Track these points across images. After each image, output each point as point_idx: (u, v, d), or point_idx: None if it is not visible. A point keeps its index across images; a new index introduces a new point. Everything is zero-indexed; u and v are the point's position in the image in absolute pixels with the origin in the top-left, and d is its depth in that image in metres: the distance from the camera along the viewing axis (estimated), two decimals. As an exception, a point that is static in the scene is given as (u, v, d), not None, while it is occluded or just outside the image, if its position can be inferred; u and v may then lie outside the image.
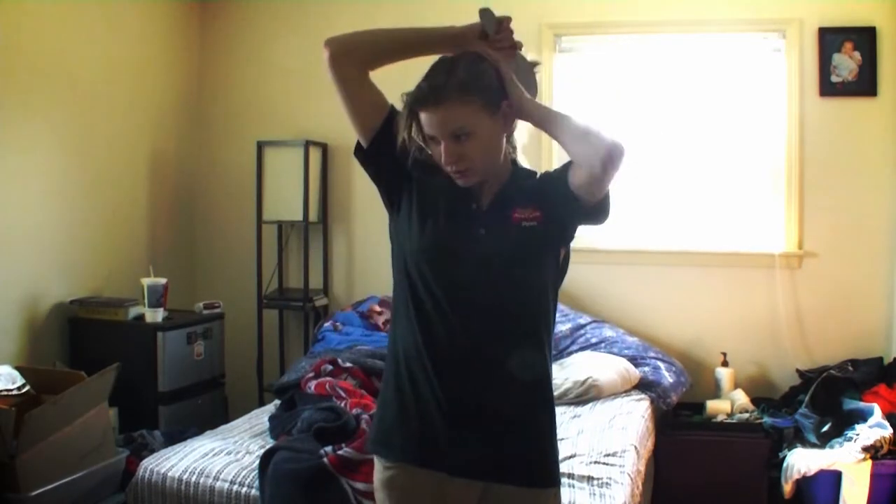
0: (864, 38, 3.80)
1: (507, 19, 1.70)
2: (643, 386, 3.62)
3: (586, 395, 3.44)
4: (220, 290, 4.42)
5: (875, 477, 3.12)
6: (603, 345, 3.83)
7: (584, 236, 3.98)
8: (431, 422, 1.65)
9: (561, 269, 1.74)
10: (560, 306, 3.92)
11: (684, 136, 4.08)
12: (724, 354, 3.89)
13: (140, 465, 2.66)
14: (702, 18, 3.96)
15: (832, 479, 3.17)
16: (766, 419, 3.55)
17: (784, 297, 3.92)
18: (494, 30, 1.66)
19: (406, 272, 1.68)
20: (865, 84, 3.81)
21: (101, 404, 2.90)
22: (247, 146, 4.36)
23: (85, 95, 3.77)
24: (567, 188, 1.62)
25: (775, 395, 3.86)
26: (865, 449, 3.11)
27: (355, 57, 1.65)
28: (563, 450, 2.72)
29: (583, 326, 3.94)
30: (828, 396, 3.52)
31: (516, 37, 1.76)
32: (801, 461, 3.22)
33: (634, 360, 3.72)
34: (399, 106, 1.67)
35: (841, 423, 3.35)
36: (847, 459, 3.14)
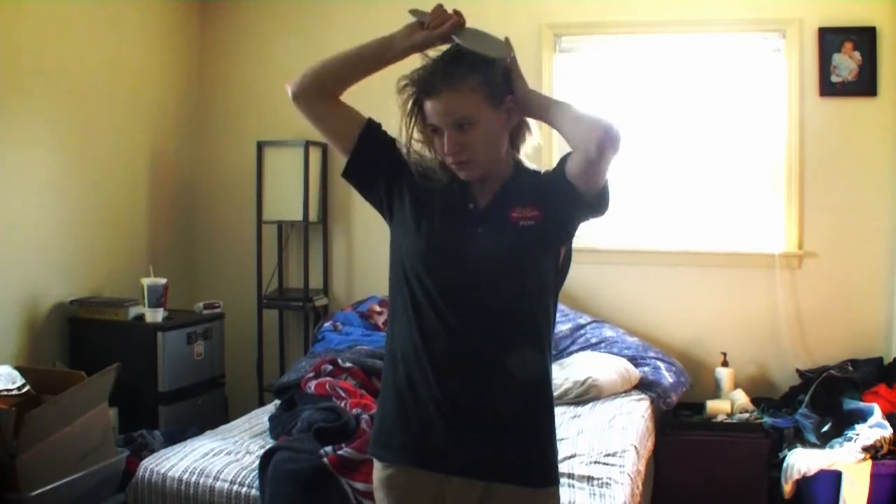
0: (864, 38, 3.80)
1: (437, 6, 1.68)
2: (643, 386, 3.62)
3: (586, 395, 3.44)
4: (220, 290, 4.42)
5: (875, 477, 3.12)
6: (603, 345, 3.83)
7: (585, 236, 3.99)
8: (430, 423, 1.65)
9: (561, 268, 1.73)
10: (560, 306, 3.91)
11: (684, 136, 4.07)
12: (724, 354, 3.89)
13: (140, 465, 2.66)
14: (702, 18, 3.96)
15: (832, 479, 3.17)
16: (766, 419, 3.55)
17: (784, 297, 3.92)
18: (429, 20, 1.64)
19: (403, 274, 1.68)
20: (865, 84, 3.81)
21: (101, 404, 2.90)
22: (247, 146, 4.36)
23: (85, 95, 3.77)
24: (565, 179, 1.62)
25: (775, 395, 3.86)
26: (865, 449, 3.11)
27: (315, 89, 1.69)
28: (563, 450, 2.73)
29: (583, 326, 3.94)
30: (828, 396, 3.52)
31: (512, 34, 1.76)
32: (801, 461, 3.22)
33: (634, 360, 3.72)
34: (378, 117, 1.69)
35: (841, 423, 3.35)
36: (847, 459, 3.14)
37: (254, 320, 4.37)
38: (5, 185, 3.36)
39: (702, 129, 4.06)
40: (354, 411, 2.76)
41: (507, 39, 1.71)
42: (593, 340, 3.87)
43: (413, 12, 1.68)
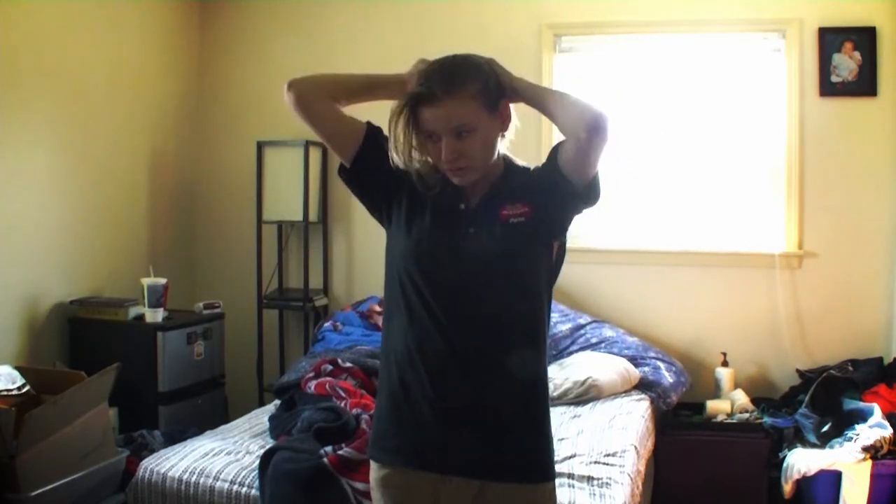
0: (864, 38, 3.80)
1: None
2: (643, 386, 3.62)
3: (586, 395, 3.44)
4: (220, 290, 4.42)
5: (875, 477, 3.12)
6: (603, 345, 3.83)
7: (585, 236, 4.00)
8: (424, 423, 1.65)
9: (555, 264, 1.73)
10: (560, 306, 3.94)
11: (684, 136, 4.07)
12: (724, 354, 3.89)
13: (140, 465, 2.67)
14: (702, 18, 3.96)
15: (832, 479, 3.17)
16: (766, 419, 3.55)
17: (784, 297, 3.92)
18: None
19: (397, 275, 1.69)
20: (865, 84, 3.81)
21: (101, 404, 2.90)
22: (247, 146, 4.36)
23: (85, 96, 3.77)
24: (556, 169, 1.63)
25: (775, 395, 3.86)
26: (865, 449, 3.11)
27: (322, 93, 1.71)
28: (563, 450, 2.73)
29: (583, 326, 3.94)
30: (828, 396, 3.52)
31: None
32: (801, 461, 3.22)
33: (634, 360, 3.72)
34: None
35: (841, 423, 3.35)
36: (847, 459, 3.13)
37: (254, 320, 4.37)
38: (5, 185, 3.36)
39: (702, 129, 4.05)
40: (354, 411, 2.76)
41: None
42: (593, 340, 3.86)
43: (422, 62, 1.70)
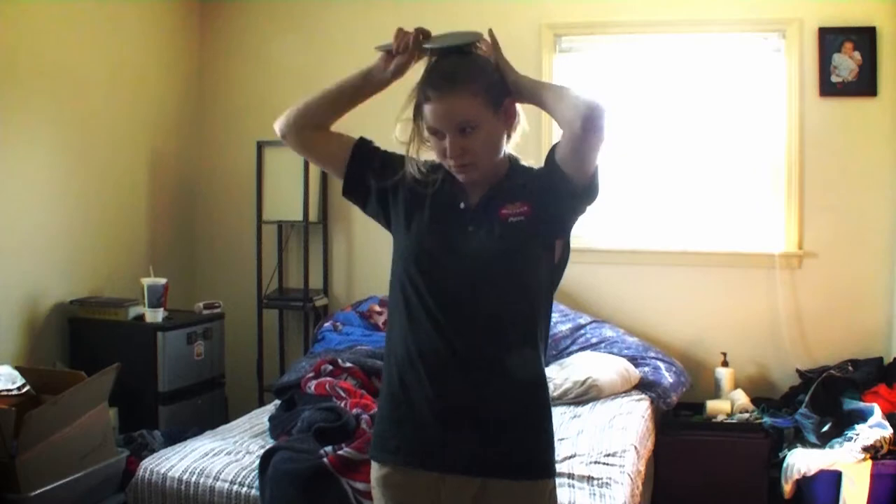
0: (864, 38, 3.80)
1: (397, 29, 1.70)
2: (643, 386, 3.62)
3: (586, 395, 3.44)
4: (220, 290, 4.42)
5: (875, 477, 3.11)
6: (603, 345, 3.83)
7: (584, 236, 4.00)
8: (424, 424, 1.65)
9: (558, 264, 1.72)
10: (560, 306, 3.94)
11: (684, 136, 4.07)
12: (725, 354, 3.89)
13: (140, 465, 2.66)
14: (702, 18, 3.96)
15: (832, 480, 3.17)
16: (766, 419, 3.55)
17: (784, 297, 3.92)
18: (394, 46, 1.67)
19: (398, 276, 1.70)
20: (865, 84, 3.81)
21: (101, 404, 2.90)
22: (247, 146, 4.35)
23: (85, 96, 3.77)
24: (555, 166, 1.63)
25: (775, 395, 3.86)
26: (865, 449, 3.11)
27: (300, 127, 1.74)
28: (563, 450, 2.73)
29: (583, 326, 3.94)
30: (828, 396, 3.52)
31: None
32: (801, 461, 3.22)
33: (634, 360, 3.72)
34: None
35: (841, 423, 3.35)
36: (847, 459, 3.13)
37: (254, 320, 4.37)
38: (5, 185, 3.36)
39: (702, 129, 4.06)
40: (354, 411, 2.76)
41: (483, 32, 1.71)
42: (593, 340, 3.86)
43: (379, 48, 1.71)
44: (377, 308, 4.05)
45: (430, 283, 1.65)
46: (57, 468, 2.67)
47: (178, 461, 2.64)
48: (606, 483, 2.51)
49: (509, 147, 1.72)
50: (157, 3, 4.29)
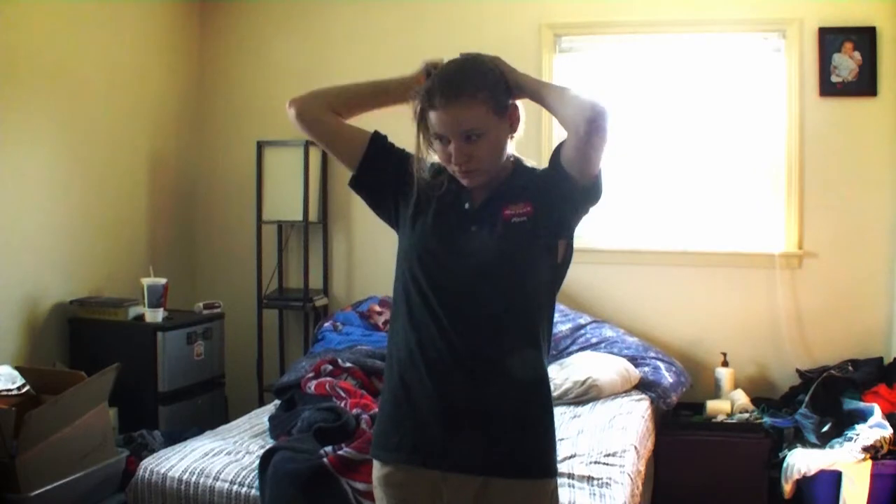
0: (864, 38, 3.80)
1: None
2: (643, 386, 3.62)
3: (586, 395, 3.44)
4: (220, 290, 4.42)
5: (875, 477, 3.12)
6: (603, 345, 3.83)
7: (585, 236, 4.00)
8: (425, 423, 1.65)
9: (561, 264, 1.73)
10: (560, 306, 3.94)
11: (684, 136, 4.07)
12: (725, 354, 3.89)
13: (140, 465, 2.66)
14: (702, 18, 3.96)
15: (832, 480, 3.17)
16: (766, 419, 3.55)
17: (784, 297, 3.92)
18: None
19: (401, 275, 1.71)
20: (865, 84, 3.81)
21: (101, 404, 2.90)
22: (247, 146, 4.36)
23: (85, 96, 3.77)
24: (559, 167, 1.64)
25: (775, 395, 3.86)
26: (865, 449, 3.11)
27: (322, 105, 1.75)
28: (563, 450, 2.73)
29: (583, 326, 3.94)
30: (828, 396, 3.52)
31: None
32: (802, 461, 3.22)
33: (634, 360, 3.72)
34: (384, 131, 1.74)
35: (841, 423, 3.35)
36: (847, 459, 3.13)
37: (254, 320, 4.37)
38: (5, 185, 3.36)
39: (702, 129, 4.05)
40: (354, 411, 2.76)
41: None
42: (593, 340, 3.87)
43: (426, 64, 1.73)
44: (377, 308, 4.04)
45: (433, 282, 1.65)
46: (57, 468, 2.68)
47: (177, 461, 2.64)
48: (606, 483, 2.51)
49: (511, 146, 1.72)
50: (157, 3, 4.29)
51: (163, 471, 2.60)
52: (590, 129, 1.56)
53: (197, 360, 3.80)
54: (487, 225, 1.66)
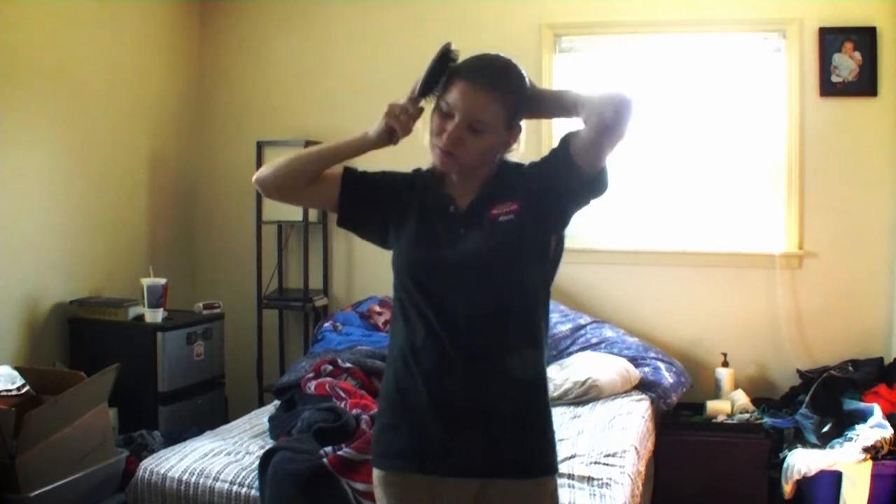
0: (864, 38, 3.80)
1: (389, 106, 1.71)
2: (643, 386, 3.62)
3: (586, 395, 3.43)
4: (220, 290, 4.42)
5: (875, 477, 3.11)
6: (603, 345, 3.83)
7: (585, 236, 4.00)
8: (422, 427, 1.65)
9: (552, 259, 1.72)
10: (560, 306, 3.94)
11: (684, 136, 4.07)
12: (725, 355, 3.89)
13: (140, 465, 2.67)
14: (702, 18, 3.96)
15: (832, 480, 3.17)
16: (767, 419, 3.55)
17: (784, 298, 3.92)
18: (399, 132, 1.68)
19: (396, 281, 1.71)
20: (865, 84, 3.81)
21: (101, 404, 2.90)
22: (247, 146, 4.35)
23: (85, 95, 3.77)
24: (566, 157, 1.62)
25: (775, 396, 3.86)
26: (866, 449, 3.11)
27: (293, 186, 1.75)
28: (563, 450, 2.73)
29: (583, 326, 3.93)
30: (828, 397, 3.52)
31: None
32: (802, 461, 3.22)
33: (634, 361, 3.71)
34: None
35: (841, 424, 3.35)
36: (847, 460, 3.13)
37: (254, 320, 4.37)
38: (5, 184, 3.36)
39: (702, 129, 4.05)
40: (354, 411, 2.76)
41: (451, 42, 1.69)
42: (593, 341, 3.86)
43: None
44: (377, 308, 4.05)
45: (425, 286, 1.65)
46: (57, 468, 2.68)
47: (177, 461, 2.64)
48: (606, 483, 2.51)
49: (498, 158, 1.72)
50: (157, 3, 4.28)
51: (163, 471, 2.60)
52: (616, 115, 1.55)
53: (197, 361, 3.80)
54: (476, 227, 1.66)
